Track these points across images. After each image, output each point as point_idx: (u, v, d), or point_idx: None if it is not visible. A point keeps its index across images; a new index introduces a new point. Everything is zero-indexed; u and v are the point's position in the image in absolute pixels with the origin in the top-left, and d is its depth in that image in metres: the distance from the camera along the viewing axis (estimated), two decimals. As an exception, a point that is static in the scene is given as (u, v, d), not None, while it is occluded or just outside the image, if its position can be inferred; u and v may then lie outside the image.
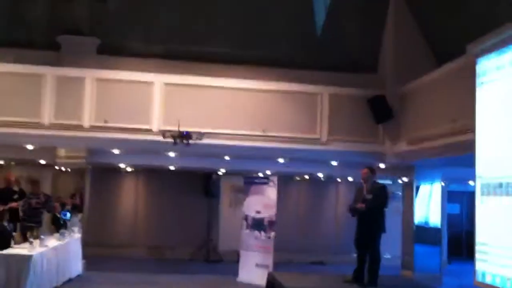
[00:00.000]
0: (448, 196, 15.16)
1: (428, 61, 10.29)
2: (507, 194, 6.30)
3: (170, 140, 9.03)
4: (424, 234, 11.18)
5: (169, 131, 9.28)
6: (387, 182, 13.86)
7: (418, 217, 11.19)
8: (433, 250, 11.11)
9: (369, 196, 8.19)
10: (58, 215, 11.32)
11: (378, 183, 8.52)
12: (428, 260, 10.94)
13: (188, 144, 9.12)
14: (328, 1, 11.08)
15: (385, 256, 13.38)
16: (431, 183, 11.16)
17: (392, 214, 13.77)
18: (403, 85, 10.20)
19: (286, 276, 8.74)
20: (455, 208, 16.66)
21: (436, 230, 11.27)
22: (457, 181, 14.01)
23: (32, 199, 10.30)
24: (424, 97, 9.53)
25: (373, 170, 8.48)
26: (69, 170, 11.82)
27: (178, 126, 9.03)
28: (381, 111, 10.30)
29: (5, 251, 7.56)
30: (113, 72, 10.18)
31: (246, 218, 11.03)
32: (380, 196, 8.22)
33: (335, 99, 10.50)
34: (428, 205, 11.23)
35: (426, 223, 11.31)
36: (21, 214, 10.45)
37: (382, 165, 11.21)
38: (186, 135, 8.95)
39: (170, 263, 12.78)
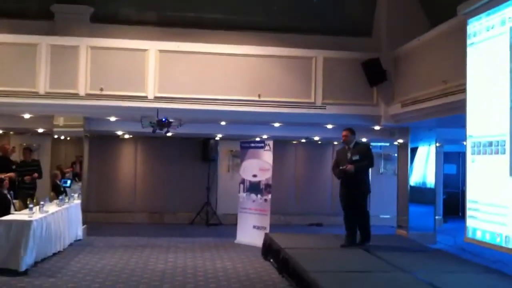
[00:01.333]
0: (445, 157, 15.36)
1: (421, 23, 10.28)
2: (497, 152, 6.43)
3: (149, 128, 9.01)
4: (421, 194, 11.35)
5: (145, 117, 9.25)
6: (384, 144, 14.14)
7: (416, 178, 11.33)
8: (429, 210, 11.30)
9: (356, 157, 8.32)
10: (59, 183, 11.49)
11: (361, 143, 8.70)
12: (423, 219, 11.14)
13: (167, 131, 9.15)
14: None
15: (383, 216, 13.80)
16: (428, 145, 11.27)
17: (389, 176, 14.13)
18: (397, 48, 10.21)
19: (282, 237, 8.96)
20: (452, 169, 16.89)
21: (431, 190, 11.44)
22: (452, 142, 14.16)
23: (25, 175, 10.44)
24: (417, 59, 9.59)
25: (353, 131, 8.62)
26: (68, 138, 11.91)
27: (157, 114, 9.01)
28: (375, 74, 10.35)
29: (5, 217, 7.72)
30: (107, 40, 10.17)
31: (243, 181, 11.21)
32: (367, 156, 8.40)
33: (330, 63, 10.53)
34: (426, 166, 11.36)
35: (424, 183, 11.46)
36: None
37: (377, 127, 11.34)
38: (165, 123, 8.97)
39: (169, 228, 13.01)
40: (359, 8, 11.37)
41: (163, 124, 8.99)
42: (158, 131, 9.41)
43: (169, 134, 10.55)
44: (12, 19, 10.81)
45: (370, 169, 8.78)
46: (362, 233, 8.46)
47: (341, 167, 8.38)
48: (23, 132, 13.35)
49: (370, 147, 8.66)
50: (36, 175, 10.52)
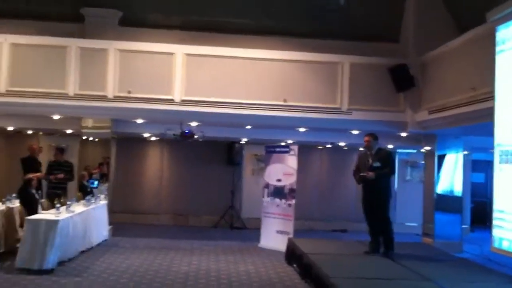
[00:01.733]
0: (474, 165, 15.13)
1: (449, 29, 10.15)
2: (525, 162, 6.32)
3: (173, 138, 9.08)
4: (447, 203, 11.21)
5: (170, 129, 9.30)
6: (410, 151, 13.99)
7: (443, 186, 11.20)
8: (455, 219, 11.16)
9: (377, 164, 8.22)
10: (86, 183, 11.67)
11: (383, 149, 8.56)
12: (450, 228, 11.00)
13: (190, 142, 9.21)
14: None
15: (409, 224, 13.67)
16: (456, 152, 11.12)
17: (415, 183, 13.99)
18: (424, 54, 10.11)
19: (305, 242, 8.95)
20: (480, 177, 16.59)
21: (458, 199, 11.29)
22: (480, 150, 13.95)
23: (52, 174, 10.61)
24: (445, 66, 9.47)
25: (375, 136, 8.49)
26: (96, 139, 12.11)
27: (181, 126, 9.02)
28: (402, 80, 10.24)
29: (32, 217, 7.86)
30: (135, 43, 10.30)
31: (267, 186, 11.22)
32: (389, 163, 8.29)
33: (356, 68, 10.47)
34: (453, 174, 11.22)
35: (451, 192, 11.32)
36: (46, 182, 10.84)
37: (403, 134, 11.24)
38: (188, 135, 9.05)
39: (194, 230, 13.10)
40: (387, 13, 11.25)
41: (186, 136, 9.07)
42: (181, 141, 9.47)
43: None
44: (43, 21, 11.06)
45: (392, 176, 8.64)
46: (385, 241, 8.35)
47: (361, 174, 8.31)
48: (52, 132, 13.60)
49: (392, 154, 8.53)
50: (61, 175, 10.61)
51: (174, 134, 8.87)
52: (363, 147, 8.59)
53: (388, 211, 8.39)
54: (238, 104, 10.21)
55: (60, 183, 10.78)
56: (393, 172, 8.51)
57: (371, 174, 8.15)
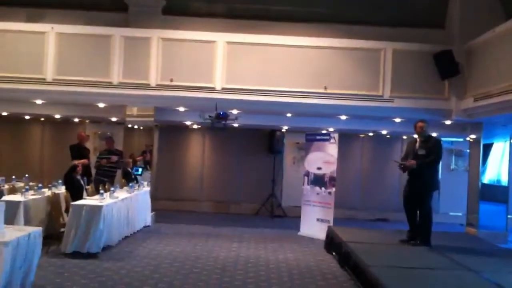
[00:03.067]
0: (522, 155, 14.68)
1: (496, 15, 9.86)
2: None
3: (208, 121, 9.12)
4: (493, 192, 10.95)
5: (204, 111, 9.32)
6: (456, 139, 13.68)
7: (490, 176, 10.94)
8: (501, 209, 10.90)
9: (422, 152, 7.99)
10: (130, 170, 11.91)
11: (432, 137, 8.27)
12: (495, 218, 10.75)
13: (225, 124, 9.24)
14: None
15: (454, 214, 13.41)
16: (503, 141, 10.83)
17: (460, 172, 13.69)
18: (470, 40, 9.84)
19: (345, 231, 8.92)
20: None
21: (505, 189, 11.01)
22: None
23: (103, 159, 10.94)
24: (491, 52, 9.19)
25: (428, 123, 8.23)
26: (141, 127, 12.32)
27: (216, 108, 9.08)
28: (447, 67, 10.00)
29: (78, 202, 8.08)
30: (178, 32, 10.40)
31: (307, 174, 11.19)
32: (434, 151, 7.97)
33: (399, 55, 10.27)
34: (500, 163, 10.95)
35: (498, 181, 11.06)
36: (93, 170, 11.13)
37: (448, 122, 11.00)
38: (223, 116, 9.08)
39: (235, 218, 13.21)
40: (431, -2, 11.03)
41: (221, 117, 9.11)
42: (216, 124, 9.49)
43: (235, 124, 10.66)
44: (87, 11, 11.31)
45: (440, 165, 8.33)
46: (421, 234, 8.04)
47: (401, 162, 8.16)
48: (97, 121, 13.93)
49: (441, 142, 8.14)
50: (114, 158, 10.92)
51: (209, 116, 8.94)
52: (415, 133, 8.37)
53: (429, 204, 8.05)
54: (278, 92, 10.20)
55: (109, 171, 11.09)
56: (437, 162, 8.10)
57: (411, 163, 7.97)
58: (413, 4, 11.11)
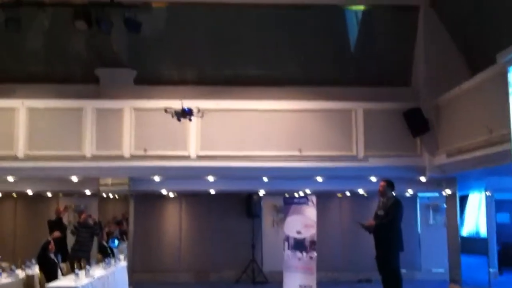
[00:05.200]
0: (498, 205, 14.75)
1: (461, 71, 10.16)
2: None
3: (174, 117, 9.02)
4: (474, 245, 10.95)
5: (169, 108, 9.19)
6: (432, 194, 13.73)
7: (468, 228, 10.96)
8: (482, 261, 10.87)
9: (381, 212, 7.97)
10: (106, 244, 11.60)
11: (392, 197, 8.15)
12: (477, 271, 10.70)
13: (190, 120, 9.12)
14: (359, 17, 11.07)
15: (436, 270, 13.29)
16: (479, 192, 10.91)
17: (439, 227, 13.67)
18: (437, 97, 10.06)
19: (329, 296, 8.70)
20: (505, 217, 16.19)
21: (484, 241, 11.00)
22: (503, 190, 13.65)
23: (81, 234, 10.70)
24: (459, 108, 9.39)
25: (390, 183, 8.21)
26: (116, 196, 12.12)
27: (182, 104, 9.08)
28: (417, 124, 10.19)
29: (51, 284, 7.76)
30: (150, 101, 10.43)
31: (287, 238, 11.01)
32: (391, 212, 7.89)
33: (370, 114, 10.46)
34: (477, 215, 11.00)
35: (477, 233, 11.07)
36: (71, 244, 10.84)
37: (423, 178, 11.07)
38: (188, 112, 9.00)
39: (216, 286, 12.86)
40: (397, 58, 11.30)
41: (186, 113, 9.01)
42: (182, 119, 9.29)
43: (211, 191, 10.52)
44: (58, 84, 11.28)
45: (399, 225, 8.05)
46: None
47: (361, 223, 8.10)
48: (71, 193, 13.66)
49: (399, 202, 7.99)
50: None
51: (175, 112, 8.84)
52: (377, 194, 8.38)
53: (395, 265, 7.90)
54: (253, 157, 10.22)
55: (86, 245, 10.79)
56: (393, 223, 7.88)
57: (370, 223, 7.96)
58: (379, 63, 11.36)
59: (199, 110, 8.79)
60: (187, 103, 10.17)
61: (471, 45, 10.07)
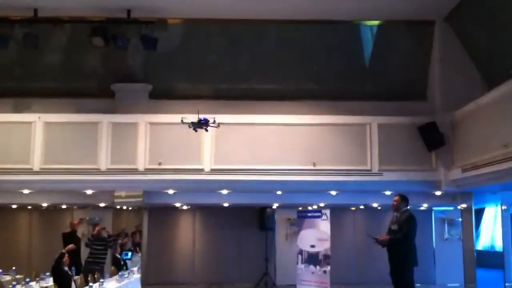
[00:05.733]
0: (514, 219, 14.65)
1: (478, 84, 10.13)
2: None
3: (191, 127, 9.05)
4: (489, 258, 10.84)
5: (185, 117, 9.18)
6: (447, 208, 13.63)
7: (484, 242, 10.86)
8: (498, 275, 10.74)
9: (395, 227, 7.98)
10: (119, 256, 11.63)
11: (406, 211, 8.16)
12: (493, 286, 10.58)
13: (206, 130, 9.15)
14: (374, 32, 11.06)
15: (451, 285, 13.16)
16: (495, 206, 10.83)
17: (454, 241, 13.56)
18: (453, 111, 10.02)
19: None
20: (522, 231, 16.04)
21: (500, 254, 10.89)
22: (520, 204, 13.54)
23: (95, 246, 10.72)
24: (475, 122, 9.33)
25: (404, 197, 8.24)
26: (130, 208, 12.16)
27: (198, 114, 9.12)
28: (432, 138, 10.12)
29: (66, 297, 7.81)
30: (165, 115, 10.49)
31: (301, 252, 11.02)
32: (405, 227, 7.91)
33: (385, 129, 10.41)
34: (493, 229, 10.90)
35: (492, 247, 10.97)
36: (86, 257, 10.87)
37: (438, 193, 11.00)
38: (204, 122, 9.04)
39: (229, 300, 12.87)
40: (412, 71, 11.23)
41: (202, 123, 9.06)
42: (198, 129, 9.32)
43: (225, 204, 10.52)
44: (74, 99, 11.35)
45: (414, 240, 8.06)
46: None
47: (375, 237, 8.10)
48: (85, 206, 13.74)
49: (412, 217, 8.02)
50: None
51: (192, 122, 8.88)
52: (391, 208, 8.38)
53: (408, 280, 7.87)
54: (267, 170, 10.21)
55: (100, 259, 10.81)
56: (406, 238, 7.89)
57: (384, 238, 7.98)
58: (394, 78, 11.32)
59: (214, 121, 8.83)
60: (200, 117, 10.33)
61: (487, 60, 10.02)
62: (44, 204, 13.02)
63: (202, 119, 9.10)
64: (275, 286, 13.58)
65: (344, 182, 10.28)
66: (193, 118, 8.73)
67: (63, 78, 11.39)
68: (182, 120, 8.96)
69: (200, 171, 10.20)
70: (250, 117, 10.46)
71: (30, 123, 10.15)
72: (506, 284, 10.95)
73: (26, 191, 10.98)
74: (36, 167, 10.04)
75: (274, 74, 11.39)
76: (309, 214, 11.08)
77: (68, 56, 11.06)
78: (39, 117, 10.18)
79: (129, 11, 9.77)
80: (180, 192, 11.48)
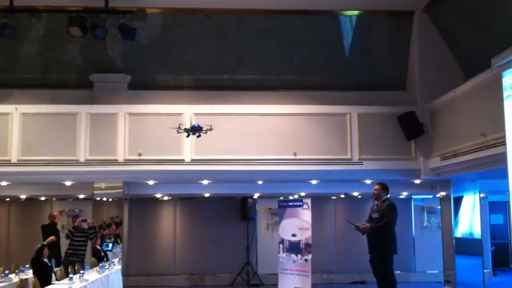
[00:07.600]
0: (492, 207, 14.84)
1: (456, 75, 10.21)
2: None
3: (184, 133, 9.06)
4: (468, 246, 11.00)
5: (180, 123, 9.22)
6: (426, 196, 13.78)
7: (462, 230, 11.01)
8: (477, 262, 10.91)
9: (376, 215, 8.08)
10: (99, 248, 11.56)
11: (386, 200, 8.28)
12: (472, 272, 10.74)
13: (199, 136, 9.19)
14: (354, 22, 11.07)
15: (431, 272, 13.34)
16: (473, 194, 10.98)
17: (434, 229, 13.73)
18: (432, 101, 10.10)
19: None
20: (499, 219, 16.28)
21: (478, 241, 11.06)
22: (498, 193, 13.72)
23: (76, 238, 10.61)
24: (453, 112, 9.43)
25: (384, 186, 8.33)
26: (110, 200, 12.07)
27: (191, 121, 9.12)
28: (411, 128, 10.20)
29: (46, 288, 7.75)
30: (144, 106, 10.43)
31: (282, 241, 11.01)
32: (386, 215, 8.01)
33: (365, 118, 10.47)
34: (472, 217, 11.05)
35: (471, 234, 11.12)
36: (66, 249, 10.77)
37: (417, 181, 11.11)
38: (198, 128, 9.07)
39: (211, 290, 12.88)
40: (392, 62, 11.31)
41: (195, 129, 9.09)
42: (191, 135, 9.35)
43: (205, 194, 10.51)
44: (53, 90, 11.20)
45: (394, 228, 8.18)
46: None
47: (355, 225, 8.16)
48: (64, 198, 13.61)
49: (393, 205, 8.14)
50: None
51: (185, 129, 8.91)
52: (372, 197, 8.47)
53: (388, 267, 8.01)
54: (248, 160, 10.21)
55: (81, 251, 10.71)
56: (388, 226, 8.00)
57: (365, 226, 8.07)
58: (374, 67, 11.37)
59: (211, 128, 8.87)
60: (181, 108, 10.29)
61: (466, 50, 10.10)
62: (23, 196, 12.88)
63: (195, 125, 9.12)
64: (256, 275, 13.62)
65: (325, 171, 10.34)
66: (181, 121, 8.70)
67: (40, 68, 11.21)
68: (177, 131, 8.98)
69: (180, 161, 10.16)
70: (231, 107, 10.43)
71: (7, 114, 10.01)
72: (485, 271, 11.14)
73: (4, 183, 10.83)
74: (14, 159, 9.92)
75: (255, 64, 11.34)
76: (290, 204, 11.07)
77: (46, 46, 10.88)
78: (16, 108, 10.04)
79: (107, 1, 9.65)
80: (160, 183, 11.44)
